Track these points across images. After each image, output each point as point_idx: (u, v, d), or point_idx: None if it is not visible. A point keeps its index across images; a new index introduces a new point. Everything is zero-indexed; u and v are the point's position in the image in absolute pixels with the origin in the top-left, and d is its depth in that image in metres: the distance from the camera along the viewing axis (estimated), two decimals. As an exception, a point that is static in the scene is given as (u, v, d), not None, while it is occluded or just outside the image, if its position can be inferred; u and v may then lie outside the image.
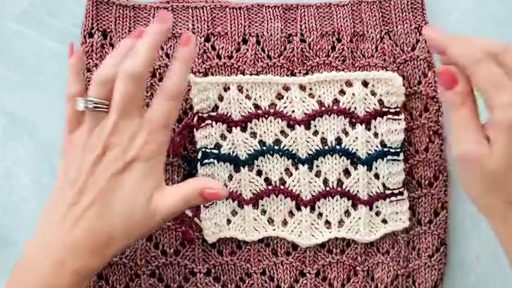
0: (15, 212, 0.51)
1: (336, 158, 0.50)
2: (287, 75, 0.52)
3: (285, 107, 0.50)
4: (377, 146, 0.50)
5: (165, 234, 0.50)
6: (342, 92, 0.50)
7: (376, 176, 0.50)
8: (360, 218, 0.50)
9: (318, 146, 0.50)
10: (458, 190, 0.52)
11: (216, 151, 0.50)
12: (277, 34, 0.52)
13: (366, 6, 0.52)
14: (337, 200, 0.50)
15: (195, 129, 0.50)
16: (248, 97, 0.50)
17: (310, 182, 0.50)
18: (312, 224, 0.50)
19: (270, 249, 0.50)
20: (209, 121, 0.50)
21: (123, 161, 0.42)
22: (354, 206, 0.50)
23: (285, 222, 0.50)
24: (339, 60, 0.52)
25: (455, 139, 0.41)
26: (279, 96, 0.50)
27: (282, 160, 0.50)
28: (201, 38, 0.52)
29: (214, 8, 0.52)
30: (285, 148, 0.50)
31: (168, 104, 0.43)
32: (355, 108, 0.50)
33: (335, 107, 0.50)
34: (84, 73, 0.49)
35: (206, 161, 0.49)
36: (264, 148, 0.50)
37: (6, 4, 0.54)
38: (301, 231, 0.50)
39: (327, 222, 0.50)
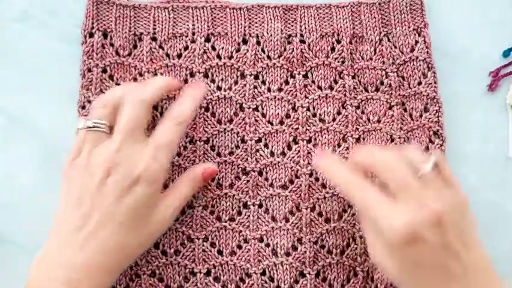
0: (15, 212, 0.51)
1: None
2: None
3: None
4: None
5: (165, 234, 0.50)
6: None
7: None
8: None
9: None
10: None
11: None
12: (277, 35, 0.52)
13: (365, 8, 0.52)
14: None
15: None
16: None
17: None
18: None
19: (270, 249, 0.50)
20: None
21: (128, 180, 0.43)
22: None
23: None
24: (338, 61, 0.52)
25: None
26: None
27: None
28: (201, 38, 0.52)
29: (214, 8, 0.52)
30: None
31: (175, 127, 0.45)
32: None
33: None
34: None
35: None
36: None
37: (6, 4, 0.53)
38: None
39: None
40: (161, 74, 0.51)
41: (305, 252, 0.50)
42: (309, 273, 0.50)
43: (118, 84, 0.51)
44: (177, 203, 0.47)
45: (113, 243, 0.42)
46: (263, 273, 0.50)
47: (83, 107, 0.51)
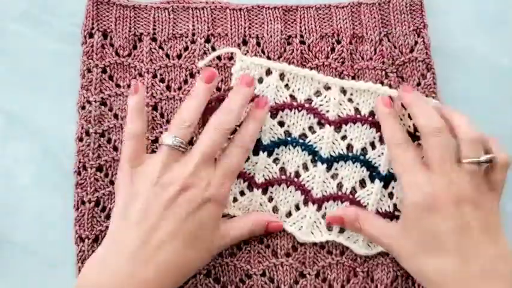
0: (15, 212, 0.51)
1: (356, 167, 0.50)
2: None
3: (321, 105, 0.50)
4: None
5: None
6: None
7: (390, 195, 0.50)
8: None
9: (342, 150, 0.50)
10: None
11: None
12: (277, 36, 0.52)
13: (365, 8, 0.53)
14: (345, 207, 0.50)
15: None
16: (287, 86, 0.50)
17: (324, 182, 0.50)
18: (315, 222, 0.50)
19: (270, 250, 0.50)
20: None
21: (199, 200, 0.44)
22: None
23: (289, 214, 0.50)
24: (338, 62, 0.52)
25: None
26: (318, 94, 0.50)
27: (302, 154, 0.50)
28: (201, 39, 0.52)
29: (214, 9, 0.52)
30: (309, 143, 0.50)
31: (242, 152, 0.47)
32: None
33: (370, 118, 0.50)
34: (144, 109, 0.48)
35: None
36: (288, 139, 0.50)
37: (6, 4, 0.54)
38: (302, 226, 0.50)
39: (329, 225, 0.50)
40: (161, 74, 0.51)
41: (305, 252, 0.50)
42: (309, 274, 0.50)
43: (118, 85, 0.51)
44: (237, 233, 0.48)
45: (176, 261, 0.43)
46: (263, 274, 0.50)
47: (83, 107, 0.51)
